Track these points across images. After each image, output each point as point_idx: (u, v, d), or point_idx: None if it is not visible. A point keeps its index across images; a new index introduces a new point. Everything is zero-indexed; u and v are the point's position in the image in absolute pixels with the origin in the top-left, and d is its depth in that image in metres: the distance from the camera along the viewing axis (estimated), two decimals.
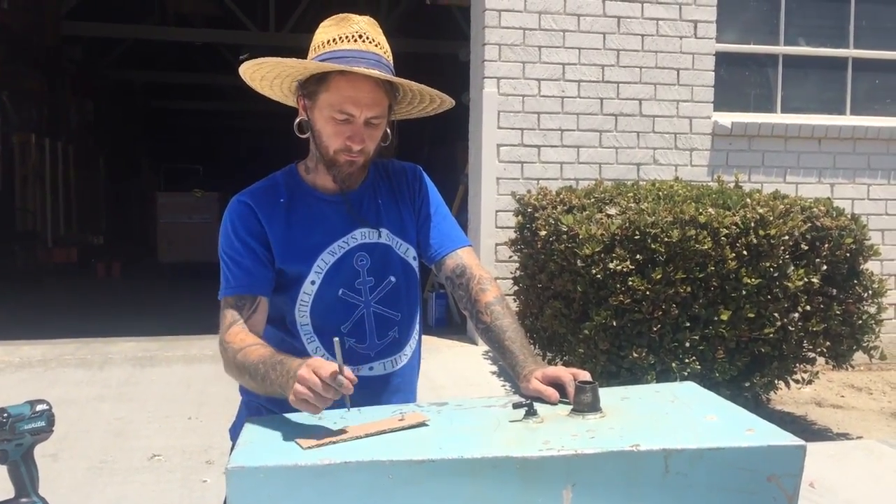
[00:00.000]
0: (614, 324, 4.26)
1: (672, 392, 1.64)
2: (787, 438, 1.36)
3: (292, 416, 1.62)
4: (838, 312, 4.48)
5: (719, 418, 1.46)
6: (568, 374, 1.63)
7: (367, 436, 1.46)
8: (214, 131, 20.44)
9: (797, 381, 4.72)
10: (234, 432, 1.91)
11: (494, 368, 5.60)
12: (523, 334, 1.84)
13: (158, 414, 4.68)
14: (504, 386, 5.19)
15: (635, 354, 4.26)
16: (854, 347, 4.62)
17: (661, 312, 4.26)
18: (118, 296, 9.54)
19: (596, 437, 1.38)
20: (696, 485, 1.31)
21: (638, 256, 4.25)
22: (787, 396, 5.19)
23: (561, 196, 5.01)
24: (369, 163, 1.88)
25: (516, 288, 5.32)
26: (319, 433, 1.48)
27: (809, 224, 4.42)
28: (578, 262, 4.34)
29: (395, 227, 1.89)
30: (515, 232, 5.28)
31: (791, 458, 1.33)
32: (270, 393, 1.62)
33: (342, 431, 1.48)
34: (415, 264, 1.92)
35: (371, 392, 1.82)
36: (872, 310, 4.59)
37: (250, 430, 1.53)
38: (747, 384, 4.54)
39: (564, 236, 4.51)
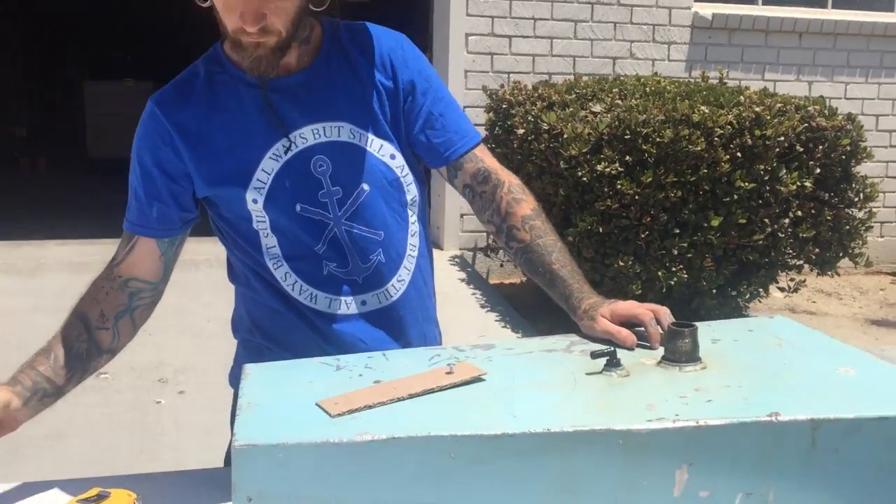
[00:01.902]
0: (600, 230, 3.98)
1: (766, 330, 1.34)
2: None
3: (306, 363, 1.28)
4: (829, 218, 4.28)
5: (857, 371, 1.16)
6: (647, 312, 1.31)
7: (410, 396, 1.13)
8: (147, 13, 19.16)
9: (782, 290, 4.55)
10: (235, 379, 1.57)
11: (463, 275, 5.31)
12: (571, 256, 1.51)
13: None
14: (475, 294, 4.92)
15: (621, 263, 4.00)
16: (840, 254, 4.45)
17: (649, 218, 3.99)
18: (47, 194, 8.89)
19: (713, 400, 1.07)
20: (848, 463, 1.02)
21: (627, 158, 3.94)
22: (760, 303, 5.03)
23: (539, 91, 4.63)
24: (295, 38, 1.36)
25: None
26: (347, 391, 1.14)
27: (805, 124, 4.15)
28: (562, 163, 4.01)
29: (363, 119, 1.43)
30: (486, 130, 4.90)
31: None
32: None
33: (377, 390, 1.14)
34: (396, 164, 1.46)
35: (375, 332, 1.48)
36: (862, 215, 4.40)
37: (253, 385, 1.19)
38: (734, 293, 4.35)
39: (546, 135, 4.17)
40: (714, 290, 4.24)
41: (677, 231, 4.04)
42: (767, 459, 1.03)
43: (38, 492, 1.33)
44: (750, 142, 4.00)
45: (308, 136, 1.41)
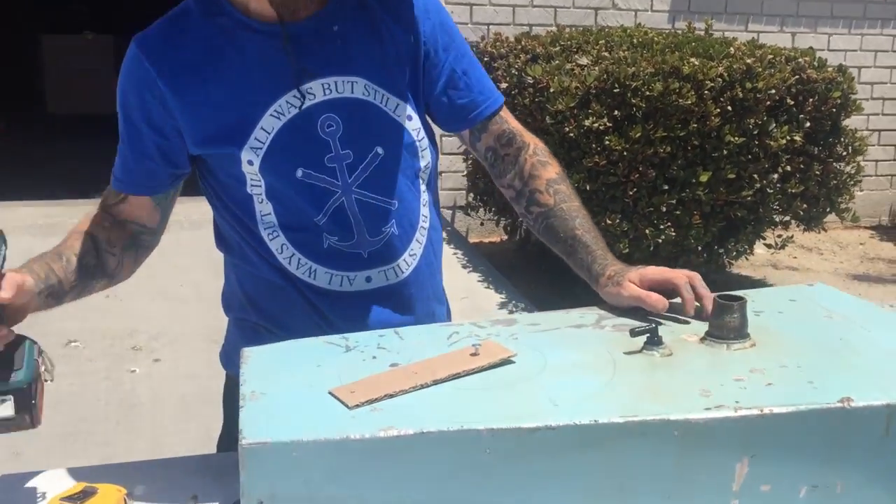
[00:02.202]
0: (587, 188, 3.86)
1: (810, 299, 1.24)
2: None
3: (311, 343, 1.15)
4: (817, 173, 4.20)
5: None
6: (681, 276, 1.19)
7: (435, 382, 1.01)
8: None
9: (769, 247, 4.48)
10: (227, 360, 1.44)
11: (443, 235, 5.17)
12: (595, 224, 1.38)
13: None
14: (456, 254, 4.79)
15: (608, 221, 3.89)
16: (828, 209, 4.39)
17: (637, 175, 3.88)
18: (7, 152, 8.57)
19: (774, 383, 0.96)
20: None
21: (616, 112, 3.81)
22: (746, 261, 4.97)
23: (522, 43, 4.48)
24: None
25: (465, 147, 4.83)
26: (361, 377, 1.02)
27: (796, 76, 4.05)
28: (547, 118, 3.87)
29: (379, 74, 1.28)
30: None
31: None
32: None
33: (396, 375, 1.02)
34: (413, 127, 1.31)
35: (381, 312, 1.35)
36: (850, 169, 4.33)
37: (255, 371, 1.06)
38: (721, 251, 4.27)
39: (531, 89, 4.02)
40: (701, 248, 4.16)
41: (665, 187, 3.94)
42: (836, 449, 0.93)
43: (18, 485, 1.20)
44: (741, 95, 3.89)
45: (317, 91, 1.25)
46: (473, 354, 1.06)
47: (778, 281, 5.07)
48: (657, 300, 1.18)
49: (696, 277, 1.20)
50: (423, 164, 1.35)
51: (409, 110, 1.31)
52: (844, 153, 4.27)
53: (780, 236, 4.39)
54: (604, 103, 3.79)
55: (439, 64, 1.33)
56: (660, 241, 3.96)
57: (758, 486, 0.94)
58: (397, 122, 1.30)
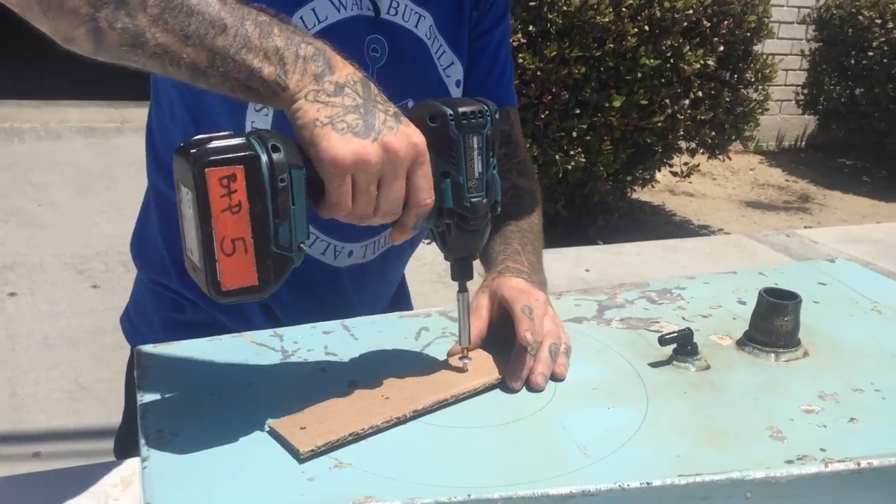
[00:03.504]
0: None
1: (841, 282, 1.03)
2: None
3: (233, 344, 0.86)
4: (727, 99, 4.08)
5: None
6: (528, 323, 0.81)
7: (415, 415, 0.74)
8: None
9: (675, 174, 4.37)
10: (132, 331, 1.12)
11: None
12: (540, 242, 1.03)
13: None
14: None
15: None
16: (734, 137, 4.30)
17: (550, 97, 3.64)
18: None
19: (857, 418, 0.75)
20: None
21: (531, 28, 3.54)
22: (652, 188, 4.87)
23: None
24: None
25: None
26: (311, 403, 0.74)
27: None
28: None
29: (447, 22, 1.02)
30: None
31: None
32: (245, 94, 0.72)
33: (360, 402, 0.75)
34: (455, 94, 1.04)
35: (346, 291, 1.05)
36: (757, 96, 4.24)
37: (158, 393, 0.76)
38: (628, 178, 4.13)
39: None
40: (608, 175, 4.00)
41: (578, 111, 3.72)
42: None
43: None
44: (658, 14, 3.69)
45: (383, 4, 0.96)
46: (460, 370, 0.80)
47: (675, 208, 5.01)
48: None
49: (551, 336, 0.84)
50: None
51: (460, 73, 1.04)
52: (754, 79, 4.17)
53: (686, 164, 4.28)
54: (518, 17, 3.50)
55: (481, 39, 1.06)
56: (569, 167, 3.76)
57: None
58: (443, 82, 1.02)
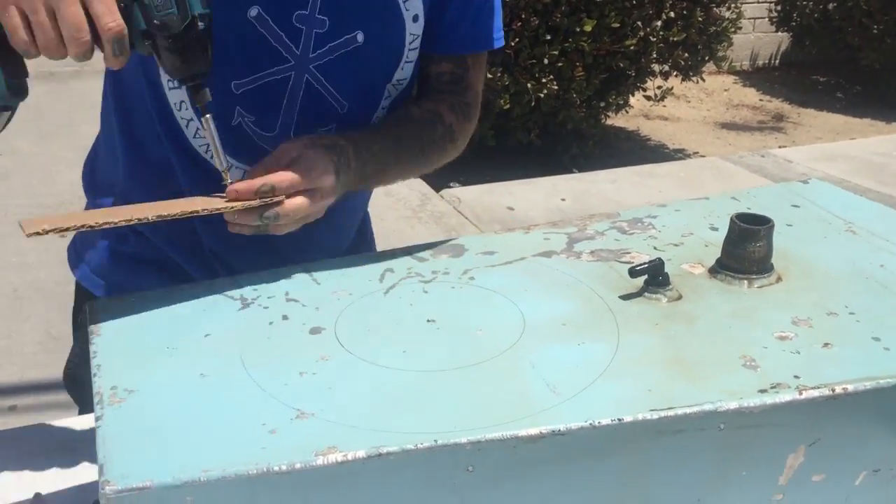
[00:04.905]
0: None
1: (814, 203, 1.01)
2: None
3: (188, 292, 0.82)
4: (700, 19, 4.01)
5: None
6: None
7: (159, 218, 0.79)
8: None
9: (649, 98, 4.32)
10: (77, 260, 1.09)
11: None
12: (404, 160, 1.00)
13: None
14: None
15: (489, 75, 3.59)
16: (707, 58, 4.25)
17: (519, 23, 3.57)
18: None
19: (832, 342, 0.73)
20: None
21: None
22: (627, 114, 4.82)
23: None
24: None
25: None
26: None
27: None
28: None
29: None
30: None
31: None
32: None
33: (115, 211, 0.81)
34: (413, 31, 0.97)
35: (294, 237, 0.99)
36: (729, 14, 4.18)
37: (114, 347, 0.73)
38: (602, 104, 4.08)
39: None
40: (581, 102, 3.95)
41: (548, 37, 3.65)
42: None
43: None
44: None
45: None
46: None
47: (650, 132, 4.98)
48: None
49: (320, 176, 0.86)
50: (397, 77, 0.99)
51: (420, 8, 0.96)
52: None
53: (659, 87, 4.23)
54: None
55: None
56: (541, 95, 3.71)
57: (809, 476, 0.72)
58: (399, 15, 0.95)
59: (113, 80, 1.01)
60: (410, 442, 0.62)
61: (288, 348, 0.74)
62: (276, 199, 0.82)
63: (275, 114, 0.95)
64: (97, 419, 0.66)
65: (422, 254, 0.91)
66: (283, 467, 0.60)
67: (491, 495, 0.65)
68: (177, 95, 0.94)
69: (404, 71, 1.00)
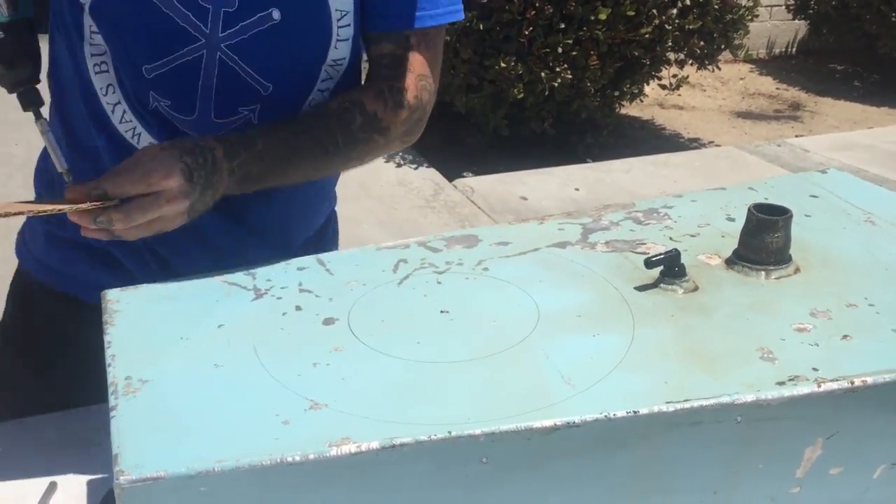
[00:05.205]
0: (480, 27, 3.50)
1: (833, 193, 0.99)
2: None
3: (203, 284, 0.82)
4: (716, 6, 3.98)
5: None
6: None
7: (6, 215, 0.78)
8: None
9: (664, 87, 4.29)
10: (23, 247, 1.10)
11: None
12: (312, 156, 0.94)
13: None
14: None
15: (502, 64, 3.58)
16: (723, 46, 4.21)
17: (533, 12, 3.55)
18: None
19: (852, 335, 0.72)
20: None
21: None
22: (641, 102, 4.79)
23: None
24: None
25: None
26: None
27: None
28: None
29: None
30: None
31: None
32: None
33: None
34: (339, 6, 0.93)
35: (228, 229, 0.99)
36: (746, 2, 4.14)
37: (129, 339, 0.73)
38: (616, 93, 4.05)
39: None
40: (595, 91, 3.92)
41: (562, 26, 3.63)
42: None
43: None
44: None
45: None
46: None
47: (665, 122, 4.95)
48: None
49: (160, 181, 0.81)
50: (333, 57, 0.96)
51: None
52: None
53: (675, 76, 4.20)
54: None
55: None
56: (556, 84, 3.68)
57: (827, 469, 0.71)
58: None
59: (53, 67, 0.99)
60: (424, 433, 0.62)
61: (301, 339, 0.74)
62: (109, 204, 0.80)
63: (191, 97, 0.93)
64: (111, 409, 0.66)
65: (435, 244, 0.90)
66: (297, 458, 0.60)
67: (505, 487, 0.65)
68: (103, 80, 0.93)
69: (339, 50, 0.96)
